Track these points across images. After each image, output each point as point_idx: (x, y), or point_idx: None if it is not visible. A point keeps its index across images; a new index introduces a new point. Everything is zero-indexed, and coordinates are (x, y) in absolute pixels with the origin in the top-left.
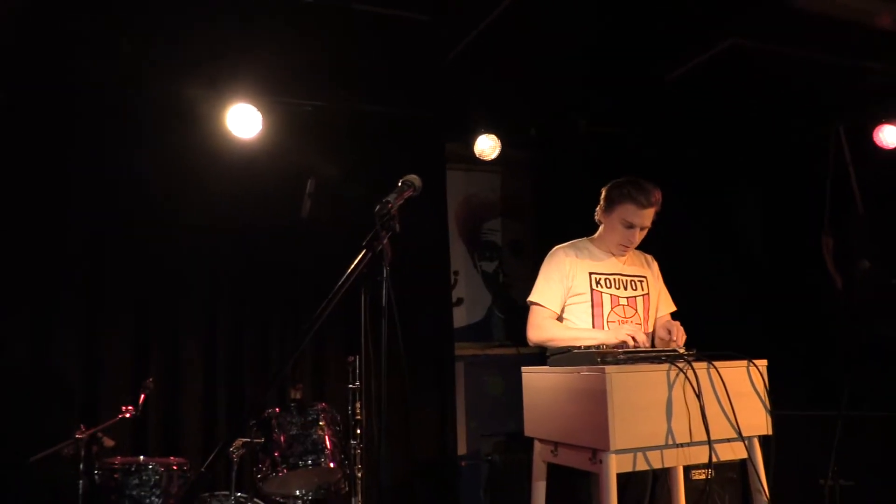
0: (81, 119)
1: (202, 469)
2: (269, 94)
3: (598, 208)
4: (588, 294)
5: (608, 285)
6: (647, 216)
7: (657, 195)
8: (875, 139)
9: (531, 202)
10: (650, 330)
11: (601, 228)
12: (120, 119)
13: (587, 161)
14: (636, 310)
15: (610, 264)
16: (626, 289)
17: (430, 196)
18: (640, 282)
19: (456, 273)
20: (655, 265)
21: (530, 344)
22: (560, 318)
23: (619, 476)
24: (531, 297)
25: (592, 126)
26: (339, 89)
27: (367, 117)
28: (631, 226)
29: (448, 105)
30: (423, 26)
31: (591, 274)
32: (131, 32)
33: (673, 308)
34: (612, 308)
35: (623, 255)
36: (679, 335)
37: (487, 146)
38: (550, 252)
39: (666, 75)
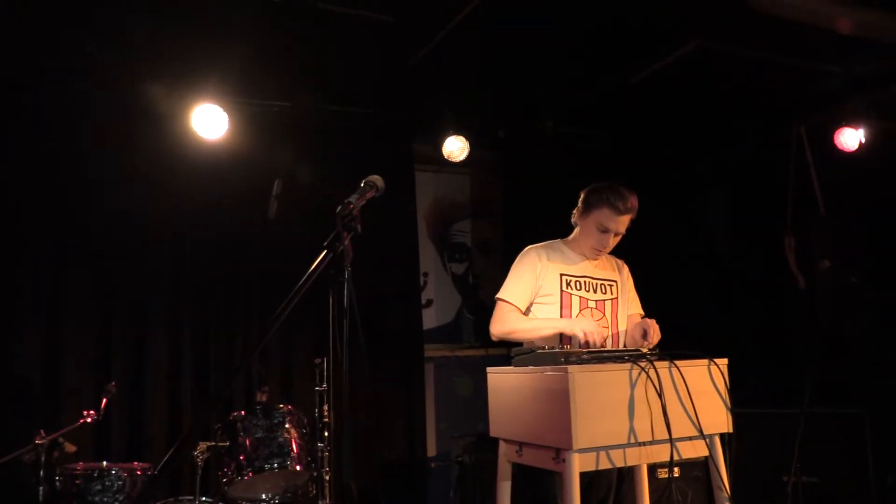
0: (40, 120)
1: (156, 471)
2: (236, 95)
3: (575, 210)
4: (558, 295)
5: (578, 287)
6: (622, 222)
7: (634, 202)
8: (835, 142)
9: (500, 203)
10: (619, 330)
11: (576, 231)
12: (80, 120)
13: (555, 162)
14: (604, 313)
15: (581, 267)
16: (595, 292)
17: (400, 198)
18: (610, 286)
19: (426, 274)
20: (626, 270)
21: (493, 338)
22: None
23: (584, 475)
24: (498, 294)
25: (559, 127)
26: (306, 90)
27: (334, 118)
28: (606, 230)
29: (416, 106)
30: (390, 27)
31: (561, 275)
32: (93, 30)
33: (640, 312)
34: (580, 310)
35: (596, 259)
36: (654, 335)
37: (456, 147)
38: (523, 251)
39: (632, 77)
